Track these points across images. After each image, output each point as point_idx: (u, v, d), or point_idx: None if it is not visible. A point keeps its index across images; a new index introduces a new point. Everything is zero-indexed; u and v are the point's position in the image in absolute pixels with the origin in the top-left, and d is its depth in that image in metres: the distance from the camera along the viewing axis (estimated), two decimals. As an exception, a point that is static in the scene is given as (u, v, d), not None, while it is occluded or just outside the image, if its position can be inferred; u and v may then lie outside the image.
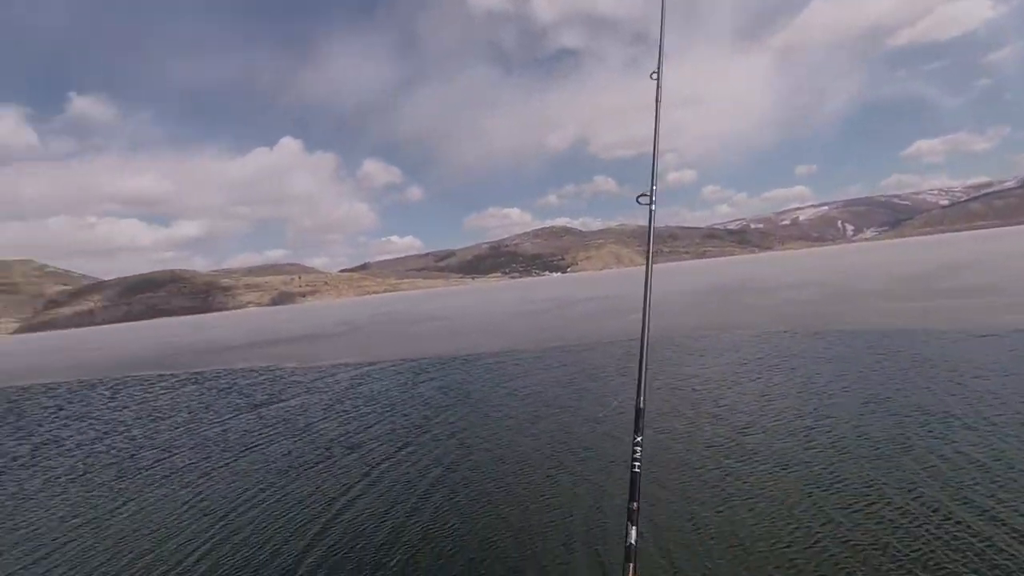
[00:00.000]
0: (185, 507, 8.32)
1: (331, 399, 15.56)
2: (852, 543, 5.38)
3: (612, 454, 8.58)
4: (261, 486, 8.87)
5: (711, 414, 10.11)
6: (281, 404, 15.60)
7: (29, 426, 16.55)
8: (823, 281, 38.43)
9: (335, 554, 6.31)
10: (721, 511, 6.31)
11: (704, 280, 60.85)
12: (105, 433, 14.31)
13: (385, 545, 6.40)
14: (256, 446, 11.39)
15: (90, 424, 15.80)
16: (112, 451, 12.35)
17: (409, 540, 6.47)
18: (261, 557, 6.42)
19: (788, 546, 5.46)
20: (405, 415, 12.66)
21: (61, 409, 19.18)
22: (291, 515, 7.57)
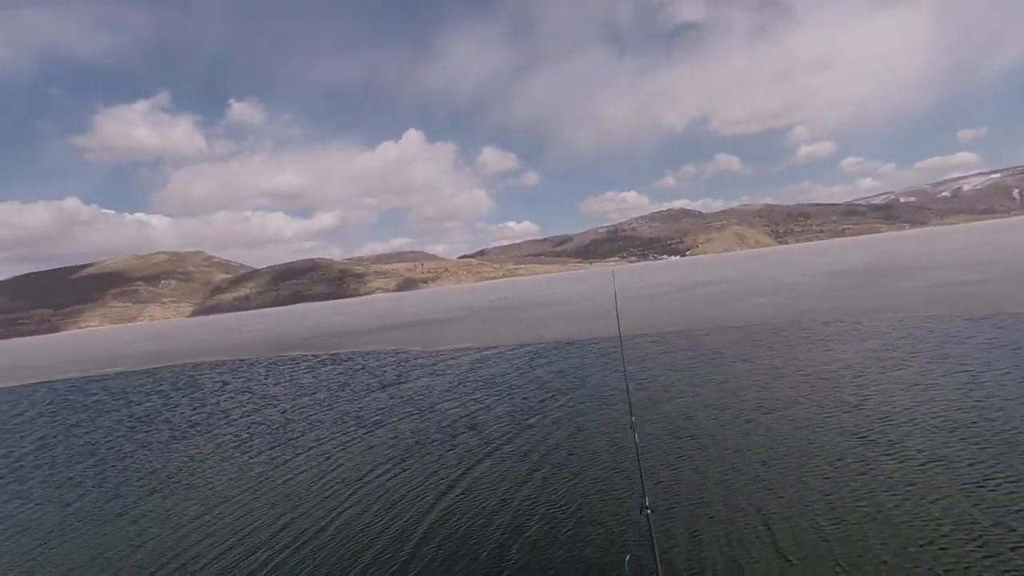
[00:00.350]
0: (325, 474, 9.30)
1: (453, 381, 16.42)
2: (1011, 550, 4.73)
3: (730, 441, 8.22)
4: (390, 458, 9.65)
5: (846, 403, 9.27)
6: (408, 384, 16.76)
7: (203, 397, 19.33)
8: (991, 259, 33.28)
9: (452, 521, 6.75)
10: (851, 505, 5.83)
11: (842, 260, 55.26)
12: (261, 406, 16.32)
13: (496, 514, 6.72)
14: (386, 422, 12.38)
15: (249, 397, 18.09)
16: (267, 422, 14.07)
17: (521, 516, 6.73)
18: (386, 520, 7.03)
19: (924, 547, 4.92)
20: (524, 398, 13.03)
21: (227, 384, 22.14)
22: (415, 486, 8.17)
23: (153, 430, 14.77)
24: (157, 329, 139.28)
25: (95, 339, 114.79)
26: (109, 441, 14.02)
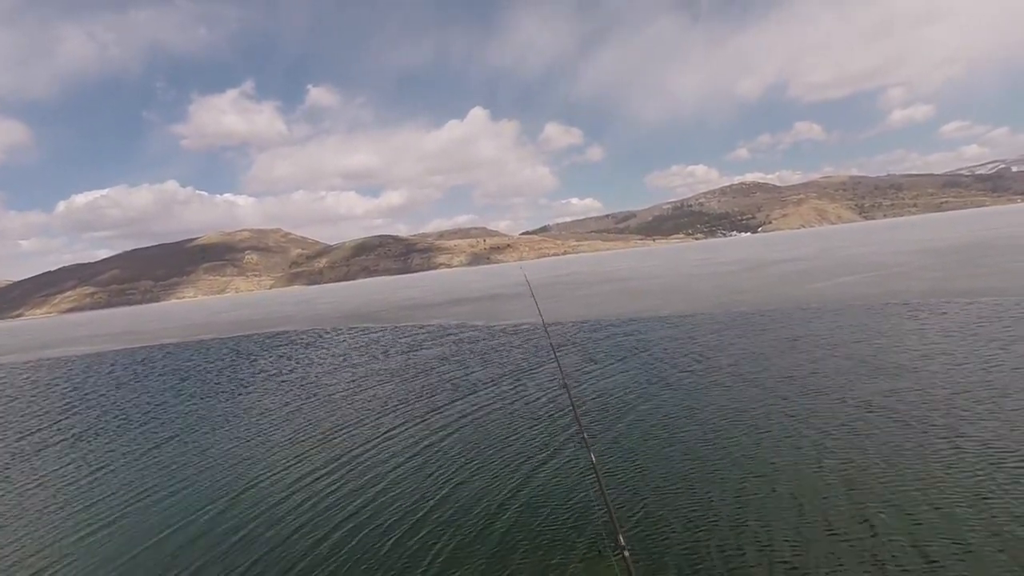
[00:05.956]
0: (403, 434, 9.74)
1: (512, 355, 16.58)
2: None
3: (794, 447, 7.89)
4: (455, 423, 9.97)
5: (938, 397, 8.64)
6: (467, 355, 17.07)
7: (293, 354, 20.58)
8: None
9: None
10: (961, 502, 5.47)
11: (940, 236, 50.91)
12: (334, 367, 17.20)
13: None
14: (449, 389, 12.74)
15: (322, 359, 19.09)
16: (336, 382, 14.81)
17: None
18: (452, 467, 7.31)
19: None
20: (598, 371, 13.02)
21: (307, 349, 23.47)
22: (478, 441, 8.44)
23: (242, 387, 15.93)
24: (242, 300, 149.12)
25: (190, 308, 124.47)
26: (206, 394, 15.27)
